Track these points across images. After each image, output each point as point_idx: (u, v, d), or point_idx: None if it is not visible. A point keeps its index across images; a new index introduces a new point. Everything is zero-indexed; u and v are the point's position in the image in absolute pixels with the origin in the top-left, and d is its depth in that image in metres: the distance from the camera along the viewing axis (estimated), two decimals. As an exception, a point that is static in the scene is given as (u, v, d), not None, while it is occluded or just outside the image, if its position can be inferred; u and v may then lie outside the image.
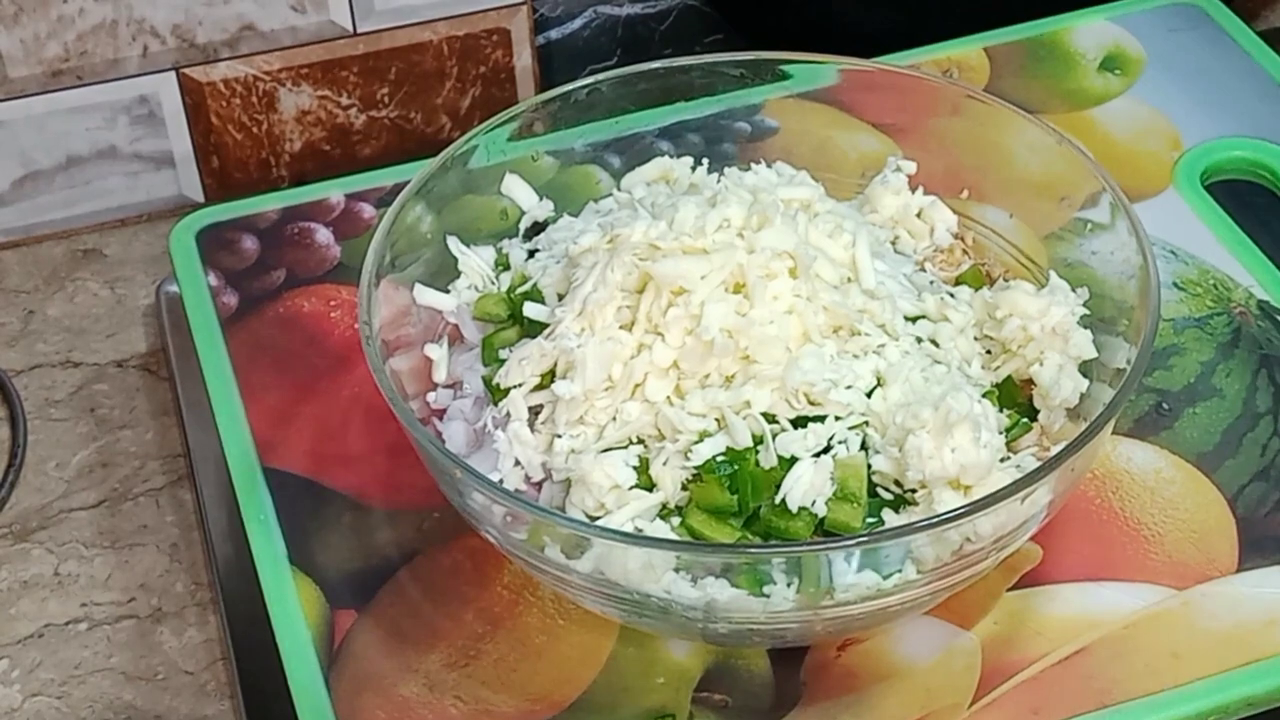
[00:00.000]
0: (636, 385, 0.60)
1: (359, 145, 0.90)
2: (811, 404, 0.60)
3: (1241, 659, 0.61)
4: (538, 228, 0.70)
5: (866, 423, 0.60)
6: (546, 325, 0.63)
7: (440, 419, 0.65)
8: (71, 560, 0.71)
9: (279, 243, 0.78)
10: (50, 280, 0.84)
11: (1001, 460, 0.60)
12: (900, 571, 0.56)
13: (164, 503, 0.73)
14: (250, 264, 0.77)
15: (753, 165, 0.70)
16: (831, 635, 0.62)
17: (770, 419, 0.59)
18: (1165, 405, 0.69)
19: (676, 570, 0.56)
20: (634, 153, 0.72)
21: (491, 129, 0.69)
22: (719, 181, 0.69)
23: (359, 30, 0.86)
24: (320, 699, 0.61)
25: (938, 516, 0.56)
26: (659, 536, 0.58)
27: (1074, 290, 0.65)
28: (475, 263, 0.68)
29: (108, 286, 0.83)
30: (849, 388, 0.60)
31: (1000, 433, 0.61)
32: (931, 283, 0.67)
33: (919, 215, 0.70)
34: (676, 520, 0.59)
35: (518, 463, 0.61)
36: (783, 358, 0.60)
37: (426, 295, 0.67)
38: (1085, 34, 0.86)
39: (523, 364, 0.62)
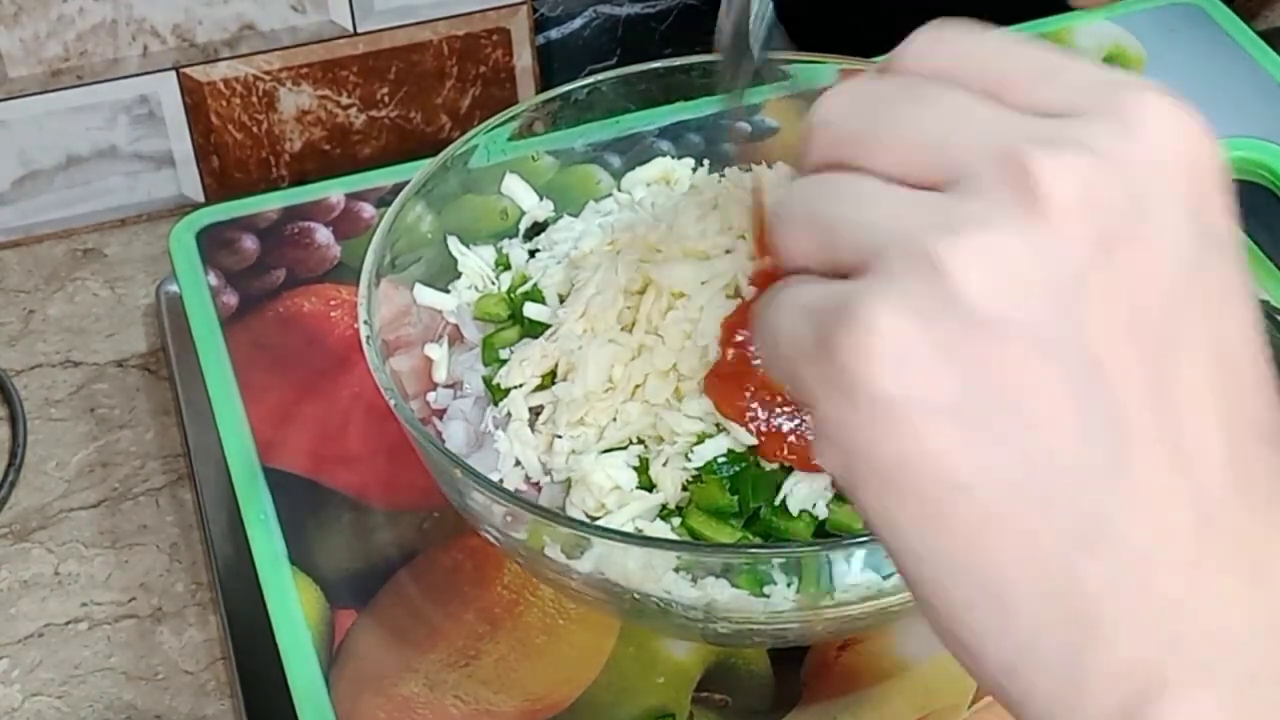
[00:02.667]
0: (637, 386, 0.60)
1: (359, 145, 0.90)
2: (812, 404, 0.59)
3: (1241, 659, 0.61)
4: (538, 228, 0.70)
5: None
6: (547, 326, 0.62)
7: (440, 419, 0.65)
8: (71, 560, 0.71)
9: (279, 243, 0.78)
10: (50, 280, 0.84)
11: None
12: (900, 571, 0.56)
13: (164, 503, 0.73)
14: (250, 264, 0.77)
15: (753, 166, 0.70)
16: (832, 635, 0.62)
17: (770, 419, 0.59)
18: (1165, 405, 0.69)
19: (676, 570, 0.56)
20: (634, 153, 0.72)
21: (491, 129, 0.69)
22: (719, 182, 0.69)
23: (359, 30, 0.86)
24: (320, 699, 0.61)
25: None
26: (659, 536, 0.58)
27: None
28: (475, 263, 0.68)
29: (108, 286, 0.83)
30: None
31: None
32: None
33: (919, 215, 0.70)
34: (677, 521, 0.59)
35: (518, 463, 0.61)
36: (783, 359, 0.60)
37: (426, 295, 0.67)
38: (1085, 34, 0.86)
39: (524, 365, 0.62)
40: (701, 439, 0.59)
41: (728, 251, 0.62)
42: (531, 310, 0.64)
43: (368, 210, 0.79)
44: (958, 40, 0.37)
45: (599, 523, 0.58)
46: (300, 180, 0.88)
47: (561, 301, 0.63)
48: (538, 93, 0.83)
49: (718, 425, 0.59)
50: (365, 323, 0.61)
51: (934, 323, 0.34)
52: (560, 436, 0.60)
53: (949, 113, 0.35)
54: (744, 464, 0.58)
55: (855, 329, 0.34)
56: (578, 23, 0.93)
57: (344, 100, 0.88)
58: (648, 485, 0.59)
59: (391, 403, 0.59)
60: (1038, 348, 0.34)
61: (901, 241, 0.34)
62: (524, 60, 0.90)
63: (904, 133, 0.36)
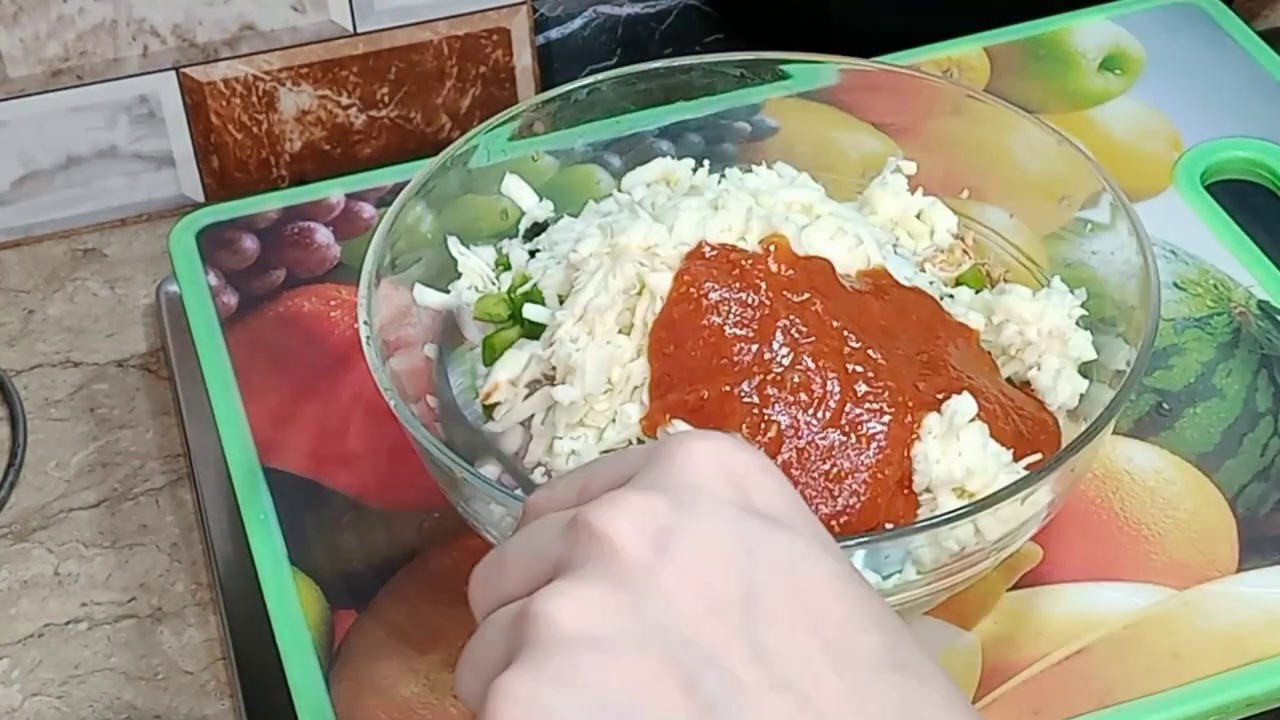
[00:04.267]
0: (636, 388, 0.60)
1: (359, 145, 0.90)
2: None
3: (1241, 659, 0.61)
4: (538, 228, 0.70)
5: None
6: (547, 326, 0.62)
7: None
8: (71, 560, 0.71)
9: (279, 243, 0.78)
10: (50, 280, 0.84)
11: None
12: (900, 572, 0.56)
13: (164, 503, 0.73)
14: (250, 264, 0.77)
15: (753, 166, 0.70)
16: (831, 635, 0.61)
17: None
18: (1165, 405, 0.69)
19: (676, 570, 0.56)
20: (634, 153, 0.72)
21: (491, 129, 0.69)
22: (720, 183, 0.69)
23: (359, 30, 0.86)
24: (320, 699, 0.61)
25: (938, 517, 0.56)
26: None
27: (1073, 291, 0.65)
28: (475, 263, 0.68)
29: (108, 286, 0.83)
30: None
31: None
32: (931, 283, 0.67)
33: (919, 216, 0.70)
34: (676, 520, 0.58)
35: (518, 463, 0.61)
36: (783, 359, 0.60)
37: (426, 295, 0.67)
38: (1085, 34, 0.86)
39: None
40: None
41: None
42: (531, 311, 0.64)
43: (368, 210, 0.79)
44: (558, 482, 0.45)
45: (599, 523, 0.58)
46: (300, 180, 0.88)
47: (561, 302, 0.63)
48: (538, 93, 0.83)
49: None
50: (365, 323, 0.61)
51: (546, 662, 0.39)
52: (560, 438, 0.60)
53: (540, 527, 0.43)
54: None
55: (495, 694, 0.39)
56: (578, 23, 0.93)
57: (344, 100, 0.88)
58: (648, 485, 0.59)
59: (391, 403, 0.59)
60: (632, 649, 0.38)
61: (514, 611, 0.41)
62: (524, 60, 0.90)
63: (514, 558, 0.43)
